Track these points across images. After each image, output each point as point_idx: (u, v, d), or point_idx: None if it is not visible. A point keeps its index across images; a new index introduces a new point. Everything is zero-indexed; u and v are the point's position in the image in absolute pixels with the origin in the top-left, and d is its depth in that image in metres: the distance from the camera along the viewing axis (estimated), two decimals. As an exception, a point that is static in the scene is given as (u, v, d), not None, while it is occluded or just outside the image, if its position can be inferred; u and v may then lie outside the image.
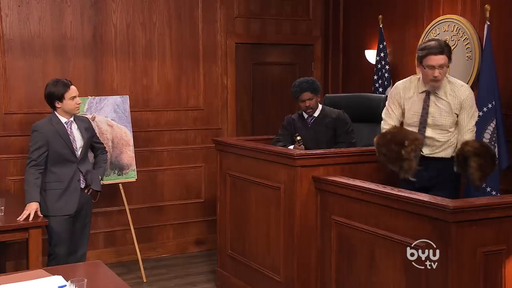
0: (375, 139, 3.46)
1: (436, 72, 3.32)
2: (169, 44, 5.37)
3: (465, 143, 3.36)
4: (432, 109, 3.44)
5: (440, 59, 3.32)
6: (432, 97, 3.44)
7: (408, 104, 3.52)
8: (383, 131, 3.55)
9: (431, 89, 3.42)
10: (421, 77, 3.45)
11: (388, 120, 3.60)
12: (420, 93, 3.47)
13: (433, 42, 3.38)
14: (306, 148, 4.00)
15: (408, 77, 3.59)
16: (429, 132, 3.45)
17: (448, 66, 3.38)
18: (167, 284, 4.74)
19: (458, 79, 3.53)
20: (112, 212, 5.18)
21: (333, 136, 4.14)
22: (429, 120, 3.45)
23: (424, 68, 3.36)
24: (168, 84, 5.40)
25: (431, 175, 3.47)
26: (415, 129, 3.46)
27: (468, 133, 3.43)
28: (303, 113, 4.23)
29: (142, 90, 5.29)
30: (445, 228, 2.59)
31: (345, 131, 4.12)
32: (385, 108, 3.66)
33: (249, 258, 4.09)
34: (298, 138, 4.05)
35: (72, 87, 3.83)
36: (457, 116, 3.43)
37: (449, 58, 3.36)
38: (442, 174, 3.48)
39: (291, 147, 4.09)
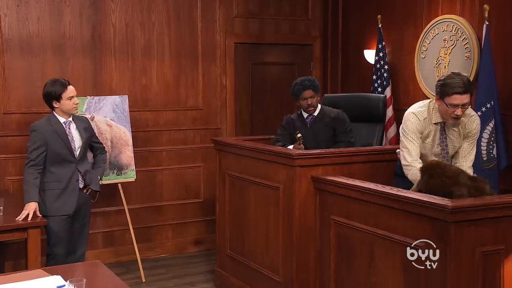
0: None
1: (459, 111, 3.20)
2: (168, 44, 5.37)
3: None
4: (447, 140, 3.37)
5: (464, 98, 3.19)
6: (446, 129, 3.36)
7: (425, 133, 3.38)
8: (413, 169, 3.29)
9: (451, 125, 3.34)
10: (437, 107, 3.30)
11: (414, 153, 3.34)
12: (434, 123, 3.34)
13: (456, 80, 3.19)
14: (305, 148, 4.00)
15: (423, 103, 3.41)
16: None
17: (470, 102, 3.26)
18: (166, 284, 4.73)
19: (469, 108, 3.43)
20: (111, 212, 5.18)
21: (332, 136, 4.14)
22: (440, 150, 3.38)
23: (447, 106, 3.20)
24: (167, 84, 5.40)
25: None
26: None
27: (469, 163, 3.37)
28: (302, 112, 4.23)
29: (141, 90, 5.29)
30: (444, 228, 2.59)
31: (344, 130, 4.12)
32: (403, 142, 3.37)
33: (248, 258, 4.09)
34: (299, 135, 4.04)
35: (70, 87, 3.82)
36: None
37: (471, 95, 3.24)
38: None
39: (291, 147, 4.09)
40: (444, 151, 3.38)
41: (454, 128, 3.35)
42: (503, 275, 2.67)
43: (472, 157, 3.40)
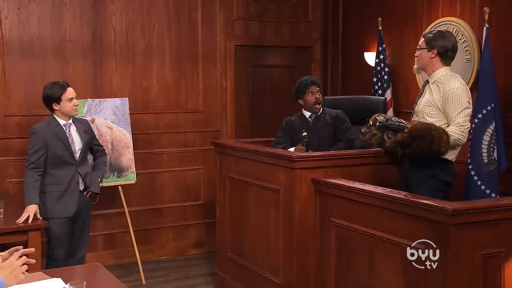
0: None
1: (417, 52, 3.58)
2: (168, 46, 5.37)
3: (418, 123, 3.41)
4: (422, 97, 3.56)
5: (419, 41, 3.59)
6: (426, 86, 3.57)
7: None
8: None
9: (414, 71, 3.75)
10: None
11: None
12: (425, 81, 3.64)
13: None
14: (308, 148, 4.03)
15: None
16: (413, 119, 3.56)
17: (424, 50, 3.49)
18: (166, 286, 4.73)
19: (459, 78, 3.51)
20: (111, 214, 5.17)
21: (333, 134, 4.21)
22: (416, 107, 3.59)
23: None
24: (168, 86, 5.40)
25: (410, 167, 3.53)
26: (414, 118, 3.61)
27: (454, 126, 3.37)
28: (304, 112, 4.31)
29: (142, 92, 5.30)
30: (444, 230, 2.59)
31: (344, 128, 4.21)
32: None
33: (248, 260, 4.09)
34: (304, 133, 4.08)
35: (69, 88, 3.83)
36: (441, 111, 3.42)
37: (427, 43, 3.49)
38: (418, 169, 3.46)
39: (292, 149, 4.10)
40: (414, 107, 3.61)
41: (432, 87, 3.48)
42: (503, 278, 2.67)
43: (457, 120, 3.37)
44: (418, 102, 3.59)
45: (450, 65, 3.51)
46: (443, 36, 3.50)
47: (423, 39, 3.54)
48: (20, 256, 2.13)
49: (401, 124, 3.40)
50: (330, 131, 4.21)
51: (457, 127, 3.37)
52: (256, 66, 5.88)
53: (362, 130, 3.65)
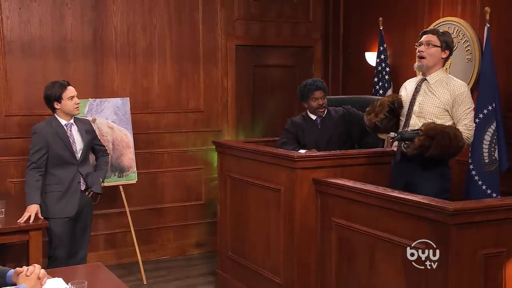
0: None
1: (422, 47, 3.39)
2: (169, 46, 5.37)
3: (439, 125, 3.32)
4: (420, 97, 3.44)
5: (426, 36, 3.40)
6: (424, 86, 3.44)
7: (404, 91, 3.58)
8: None
9: (417, 68, 3.45)
10: None
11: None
12: (419, 80, 3.50)
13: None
14: (319, 149, 4.03)
15: None
16: (413, 120, 3.43)
17: (438, 48, 3.37)
18: (167, 286, 4.74)
19: (458, 79, 3.51)
20: (112, 214, 5.18)
21: (345, 131, 4.15)
22: (415, 107, 3.44)
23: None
24: (169, 86, 5.41)
25: (414, 168, 3.40)
26: (403, 118, 3.50)
27: (462, 127, 3.35)
28: (309, 114, 4.23)
29: (143, 92, 5.30)
30: (444, 230, 2.59)
31: (360, 119, 3.98)
32: None
33: (249, 260, 4.09)
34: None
35: (70, 87, 3.83)
36: (449, 112, 3.37)
37: (442, 41, 3.37)
38: (425, 169, 3.40)
39: (302, 151, 4.00)
40: (410, 105, 3.45)
41: (435, 90, 3.38)
42: (504, 278, 2.67)
43: (465, 121, 3.35)
44: (416, 103, 3.45)
45: None
46: (451, 37, 3.46)
47: (433, 35, 3.38)
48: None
49: (413, 130, 3.32)
50: (341, 129, 4.16)
51: (465, 127, 3.36)
52: (257, 66, 5.88)
53: (368, 109, 3.62)
